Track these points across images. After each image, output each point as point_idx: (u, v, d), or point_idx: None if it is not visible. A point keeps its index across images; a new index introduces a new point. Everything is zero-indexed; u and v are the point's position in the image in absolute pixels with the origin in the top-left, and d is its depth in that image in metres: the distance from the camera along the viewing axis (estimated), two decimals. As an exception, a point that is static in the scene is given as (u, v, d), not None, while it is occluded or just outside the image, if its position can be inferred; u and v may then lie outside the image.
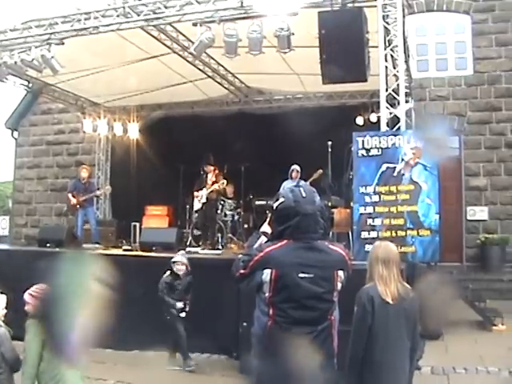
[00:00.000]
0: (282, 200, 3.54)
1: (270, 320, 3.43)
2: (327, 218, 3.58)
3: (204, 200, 12.45)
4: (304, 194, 3.49)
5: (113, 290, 4.12)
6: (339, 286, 3.51)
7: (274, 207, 3.60)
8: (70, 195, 13.33)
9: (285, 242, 3.46)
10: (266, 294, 3.42)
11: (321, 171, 12.15)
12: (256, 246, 3.64)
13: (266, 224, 3.82)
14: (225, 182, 12.74)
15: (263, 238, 3.71)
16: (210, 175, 12.54)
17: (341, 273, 3.51)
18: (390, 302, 4.17)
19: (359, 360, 4.16)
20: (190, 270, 8.35)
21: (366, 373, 4.17)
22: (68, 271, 4.12)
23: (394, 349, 4.20)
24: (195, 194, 12.66)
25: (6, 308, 5.03)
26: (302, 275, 3.37)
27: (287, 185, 12.25)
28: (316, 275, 3.39)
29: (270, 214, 3.78)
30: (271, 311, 3.43)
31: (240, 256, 3.61)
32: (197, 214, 13.08)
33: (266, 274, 3.38)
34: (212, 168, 12.59)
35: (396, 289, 4.22)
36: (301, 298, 3.38)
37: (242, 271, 3.51)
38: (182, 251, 9.30)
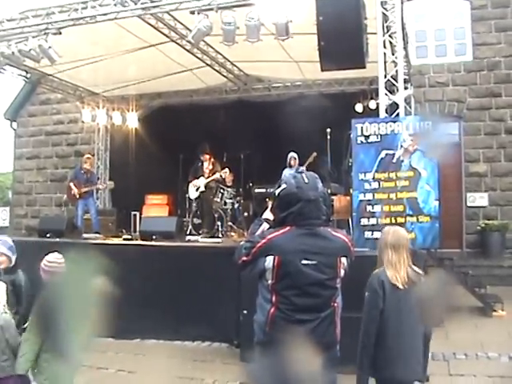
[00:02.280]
0: (284, 186, 3.52)
1: (272, 307, 3.42)
2: (329, 204, 3.55)
3: (202, 188, 12.46)
4: (306, 180, 3.47)
5: (115, 279, 4.14)
6: (342, 272, 3.51)
7: (277, 193, 3.58)
8: (71, 184, 13.31)
9: (287, 228, 3.45)
10: (269, 281, 3.42)
11: (315, 154, 12.18)
12: (258, 233, 3.63)
13: (268, 211, 3.80)
14: (227, 170, 12.77)
15: (265, 225, 3.69)
16: (205, 164, 12.54)
17: (344, 259, 3.51)
18: (400, 286, 4.18)
19: (371, 345, 4.18)
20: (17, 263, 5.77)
21: (379, 358, 4.19)
22: (72, 269, 4.12)
23: (407, 334, 4.21)
24: (193, 182, 12.65)
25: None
26: (304, 262, 3.36)
27: (287, 172, 12.28)
28: (319, 262, 3.39)
29: (271, 201, 3.77)
30: (274, 298, 3.42)
31: (242, 243, 3.60)
32: (195, 203, 13.09)
33: (269, 261, 3.37)
34: (208, 157, 12.60)
35: (406, 274, 4.23)
36: (304, 284, 3.37)
37: (244, 258, 3.50)
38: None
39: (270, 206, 3.81)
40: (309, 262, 3.36)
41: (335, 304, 3.52)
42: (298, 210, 3.42)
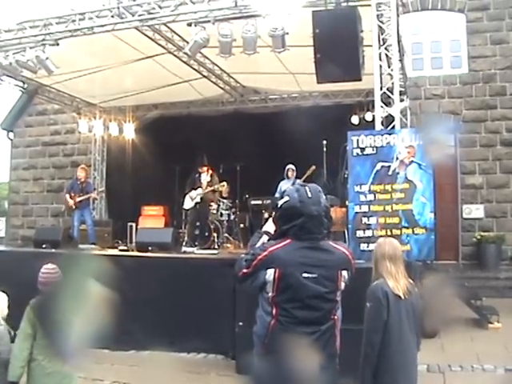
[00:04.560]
0: (286, 199, 3.49)
1: (273, 319, 3.40)
2: (330, 216, 3.53)
3: (198, 200, 12.45)
4: (310, 195, 3.43)
5: (111, 290, 4.14)
6: (343, 285, 3.50)
7: (279, 205, 3.55)
8: (67, 196, 13.32)
9: (288, 241, 3.43)
10: (270, 294, 3.40)
11: (314, 167, 12.17)
12: (258, 245, 3.61)
13: (268, 223, 3.78)
14: (225, 183, 12.79)
15: (265, 238, 3.67)
16: (203, 175, 12.55)
17: (344, 272, 3.49)
18: (402, 296, 4.21)
19: (375, 355, 4.18)
20: None
21: (381, 368, 4.19)
22: (68, 273, 4.13)
23: (407, 344, 4.24)
24: (190, 193, 12.63)
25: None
26: (305, 275, 3.34)
27: (284, 185, 12.30)
28: (320, 275, 3.37)
29: (270, 211, 3.75)
30: (274, 311, 3.40)
31: (243, 255, 3.58)
32: (189, 214, 13.04)
33: (270, 274, 3.35)
34: (205, 168, 12.61)
35: (405, 285, 4.27)
36: (304, 297, 3.36)
37: (245, 270, 3.47)
38: None
39: (271, 219, 3.80)
40: (309, 275, 3.35)
41: (335, 317, 3.51)
42: (300, 224, 3.40)
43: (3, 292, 5.06)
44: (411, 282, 4.40)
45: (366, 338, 4.22)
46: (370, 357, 4.19)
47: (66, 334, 4.02)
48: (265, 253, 3.40)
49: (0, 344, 4.75)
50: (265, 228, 3.79)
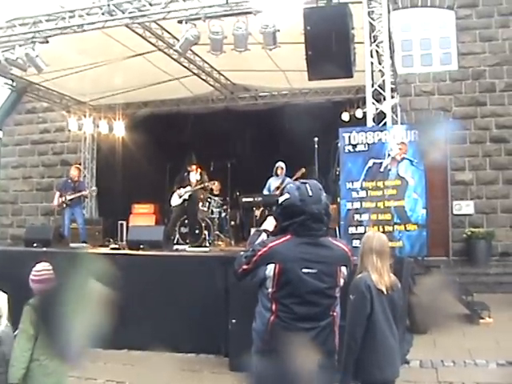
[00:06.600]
0: (287, 196, 3.51)
1: (272, 315, 3.42)
2: (329, 213, 3.55)
3: (186, 197, 12.36)
4: (310, 193, 3.46)
5: (112, 289, 4.13)
6: (342, 281, 3.52)
7: (279, 202, 3.57)
8: (57, 193, 13.26)
9: (288, 237, 3.46)
10: (269, 290, 3.41)
11: (303, 170, 12.17)
12: (258, 242, 3.62)
13: (267, 222, 3.81)
14: (216, 182, 12.75)
15: (264, 236, 3.70)
16: (192, 174, 12.46)
17: (344, 269, 3.52)
18: (384, 292, 4.23)
19: (358, 348, 4.19)
20: None
21: (368, 361, 4.20)
22: (68, 271, 4.11)
23: (391, 337, 4.28)
24: (178, 191, 12.55)
25: None
26: (305, 270, 3.36)
27: (273, 182, 12.32)
28: (320, 271, 3.39)
29: (273, 209, 3.76)
30: (274, 306, 3.42)
31: (242, 253, 3.59)
32: (176, 211, 12.87)
33: (270, 269, 3.37)
34: (194, 167, 12.54)
35: (389, 280, 4.29)
36: (304, 293, 3.38)
37: (245, 267, 3.49)
38: None
39: (270, 217, 3.82)
40: (309, 270, 3.37)
41: (334, 313, 3.53)
42: (300, 222, 3.43)
43: (3, 291, 4.99)
44: (395, 278, 4.43)
45: (349, 330, 4.22)
46: (352, 350, 4.20)
47: (67, 333, 4.00)
48: (265, 248, 3.43)
49: (6, 344, 4.69)
50: (264, 226, 3.81)
